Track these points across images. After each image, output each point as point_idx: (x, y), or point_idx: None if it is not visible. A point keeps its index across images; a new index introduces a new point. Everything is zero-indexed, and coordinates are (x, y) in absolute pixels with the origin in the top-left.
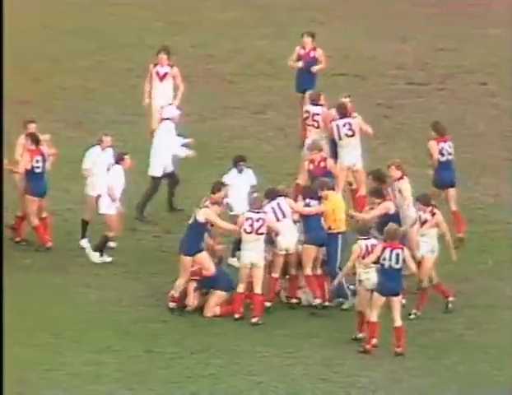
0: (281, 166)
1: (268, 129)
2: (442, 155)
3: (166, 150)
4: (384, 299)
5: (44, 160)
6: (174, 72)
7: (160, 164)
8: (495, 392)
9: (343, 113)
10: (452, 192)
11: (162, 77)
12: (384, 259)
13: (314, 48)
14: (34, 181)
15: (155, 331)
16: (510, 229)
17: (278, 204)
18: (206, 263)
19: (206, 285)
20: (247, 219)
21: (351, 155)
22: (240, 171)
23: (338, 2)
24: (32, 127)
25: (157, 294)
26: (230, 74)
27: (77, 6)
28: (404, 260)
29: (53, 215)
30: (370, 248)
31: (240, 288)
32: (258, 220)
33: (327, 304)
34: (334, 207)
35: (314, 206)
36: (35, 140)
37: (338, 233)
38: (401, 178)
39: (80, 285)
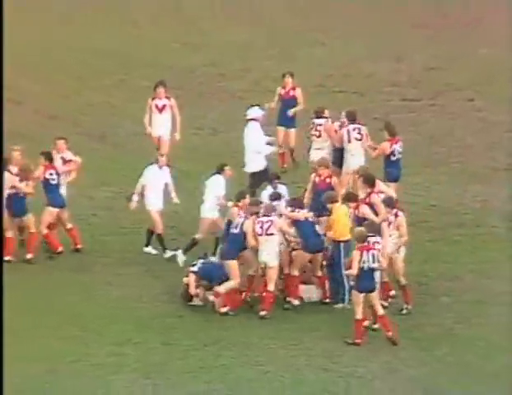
0: (286, 175)
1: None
2: (393, 155)
3: (256, 147)
4: (362, 296)
5: (57, 174)
6: (172, 103)
7: (253, 160)
8: (482, 381)
9: (353, 118)
10: (396, 186)
11: (161, 109)
12: (364, 262)
13: (294, 88)
14: (51, 193)
15: (171, 325)
16: (496, 232)
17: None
18: (251, 261)
19: (205, 276)
20: (258, 222)
21: (358, 159)
22: (275, 188)
23: (339, 23)
24: (61, 143)
25: (174, 291)
26: (240, 91)
27: (102, 29)
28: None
29: (79, 219)
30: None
31: (271, 287)
32: (267, 222)
33: (327, 300)
34: (338, 219)
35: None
36: (49, 157)
37: (341, 242)
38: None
39: (103, 283)
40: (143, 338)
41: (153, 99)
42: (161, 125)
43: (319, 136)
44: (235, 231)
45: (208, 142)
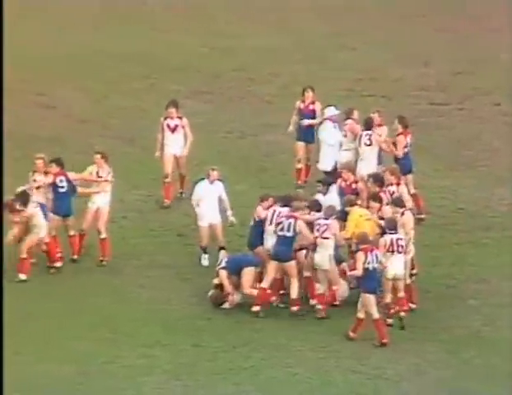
0: (314, 177)
1: None
2: (406, 147)
3: (331, 146)
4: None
5: (68, 181)
6: (184, 123)
7: (328, 158)
8: (509, 383)
9: (367, 126)
10: (411, 177)
11: (173, 129)
12: (369, 263)
13: (313, 102)
14: (58, 200)
15: (201, 327)
16: None
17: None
18: (305, 263)
19: (232, 267)
20: (316, 224)
21: (367, 164)
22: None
23: (368, 28)
24: (98, 156)
25: (203, 293)
26: (269, 95)
27: (132, 34)
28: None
29: (110, 222)
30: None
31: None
32: (323, 226)
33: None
34: (356, 221)
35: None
36: (60, 163)
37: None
38: (397, 183)
39: (134, 285)
40: (173, 340)
41: (165, 119)
42: (175, 144)
43: (345, 136)
44: (288, 234)
45: (237, 146)
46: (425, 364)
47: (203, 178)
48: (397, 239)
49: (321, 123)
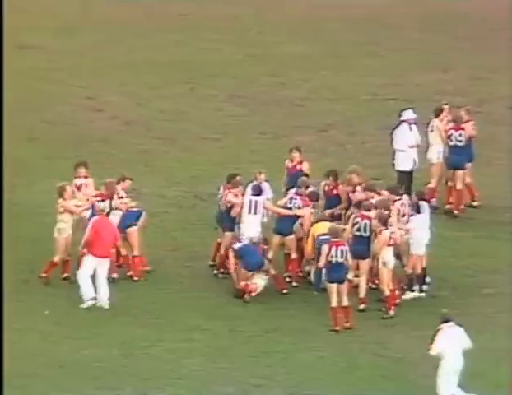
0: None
1: (330, 145)
2: (451, 140)
3: (409, 148)
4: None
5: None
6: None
7: (401, 160)
8: None
9: (457, 123)
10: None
11: (78, 188)
12: (332, 256)
13: (301, 162)
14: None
15: (236, 313)
16: None
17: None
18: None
19: (241, 258)
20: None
21: (404, 161)
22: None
23: (392, 37)
24: (127, 184)
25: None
26: (299, 99)
27: (172, 42)
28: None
29: (152, 216)
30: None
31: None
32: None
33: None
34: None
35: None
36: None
37: None
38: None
39: (174, 275)
40: (211, 325)
41: (75, 177)
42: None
43: (431, 131)
44: (365, 234)
45: (270, 146)
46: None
47: (251, 181)
48: (391, 233)
49: (398, 125)
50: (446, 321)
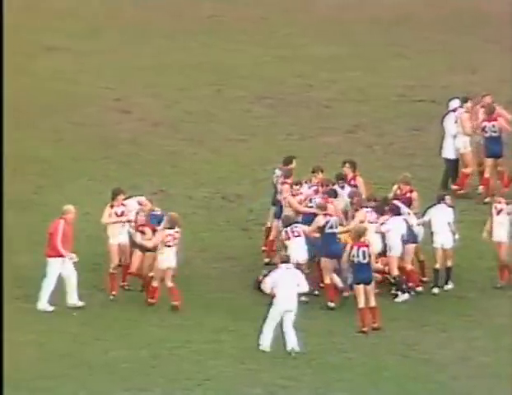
0: (367, 176)
1: (358, 146)
2: (486, 132)
3: (454, 136)
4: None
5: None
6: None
7: (448, 148)
8: None
9: (490, 115)
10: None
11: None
12: (353, 256)
13: (354, 177)
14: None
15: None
16: None
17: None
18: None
19: None
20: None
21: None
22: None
23: (420, 39)
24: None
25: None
26: (327, 100)
27: (200, 43)
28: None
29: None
30: None
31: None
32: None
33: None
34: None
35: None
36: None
37: None
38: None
39: (202, 276)
40: (238, 326)
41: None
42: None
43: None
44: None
45: (298, 147)
46: (471, 349)
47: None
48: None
49: (446, 113)
50: None
